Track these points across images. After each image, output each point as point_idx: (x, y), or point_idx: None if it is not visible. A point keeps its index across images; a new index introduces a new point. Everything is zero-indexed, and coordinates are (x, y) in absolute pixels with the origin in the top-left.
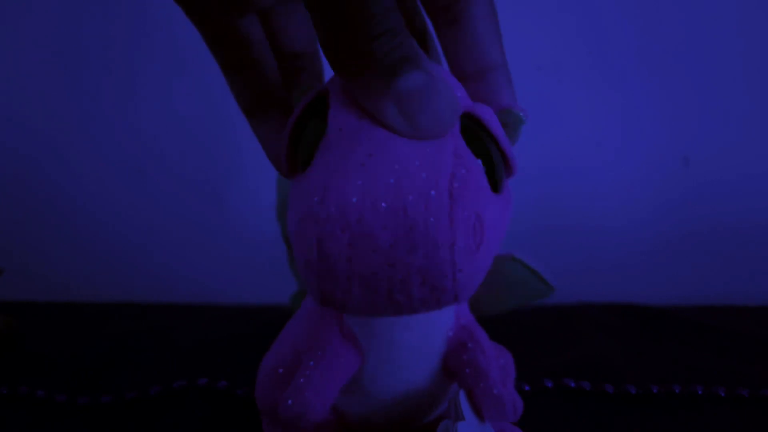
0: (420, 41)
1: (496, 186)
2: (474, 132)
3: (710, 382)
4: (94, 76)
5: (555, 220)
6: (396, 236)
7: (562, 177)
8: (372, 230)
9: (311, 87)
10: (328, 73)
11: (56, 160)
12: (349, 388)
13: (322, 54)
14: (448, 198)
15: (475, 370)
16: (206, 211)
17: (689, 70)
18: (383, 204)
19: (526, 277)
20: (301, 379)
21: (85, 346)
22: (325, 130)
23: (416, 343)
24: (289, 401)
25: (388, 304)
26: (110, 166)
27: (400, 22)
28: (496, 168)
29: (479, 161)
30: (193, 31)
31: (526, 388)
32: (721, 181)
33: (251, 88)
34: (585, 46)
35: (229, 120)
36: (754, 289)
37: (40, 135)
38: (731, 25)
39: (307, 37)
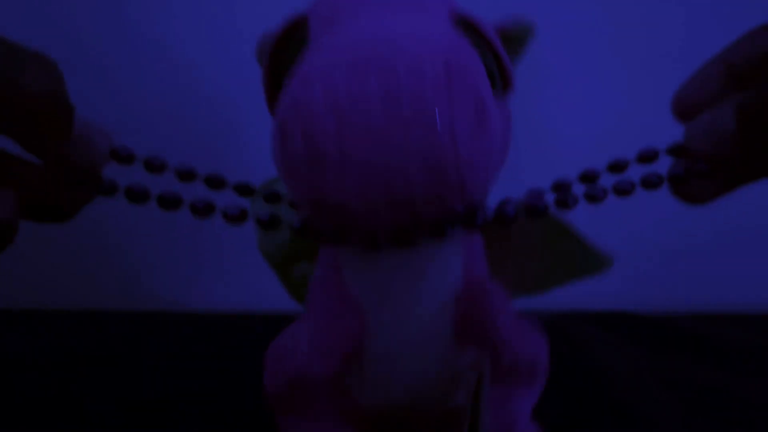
0: None
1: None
2: (468, 39)
3: (707, 393)
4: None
5: None
6: (389, 115)
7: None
8: (363, 109)
9: None
10: None
11: None
12: (360, 364)
13: None
14: (443, 70)
15: (486, 332)
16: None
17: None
18: (373, 80)
19: (579, 249)
20: (304, 340)
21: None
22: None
23: (420, 301)
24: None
25: (388, 200)
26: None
27: None
28: (493, 79)
29: (475, 52)
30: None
31: None
32: None
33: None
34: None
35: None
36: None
37: None
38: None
39: None
